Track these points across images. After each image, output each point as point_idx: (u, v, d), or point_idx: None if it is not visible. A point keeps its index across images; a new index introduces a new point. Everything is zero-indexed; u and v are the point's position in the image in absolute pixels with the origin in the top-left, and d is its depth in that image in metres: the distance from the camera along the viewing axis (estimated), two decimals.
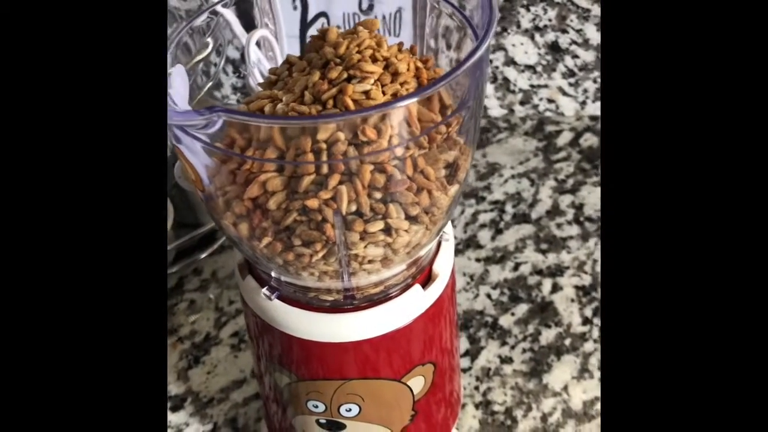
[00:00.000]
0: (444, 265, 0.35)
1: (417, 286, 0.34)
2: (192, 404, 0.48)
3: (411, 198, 0.30)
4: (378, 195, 0.29)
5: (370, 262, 0.31)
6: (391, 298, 0.34)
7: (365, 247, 0.30)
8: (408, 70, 0.31)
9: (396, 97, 0.30)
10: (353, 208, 0.29)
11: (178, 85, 0.28)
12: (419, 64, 0.32)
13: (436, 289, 0.35)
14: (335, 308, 0.34)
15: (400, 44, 0.34)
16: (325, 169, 0.29)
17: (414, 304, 0.34)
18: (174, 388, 0.49)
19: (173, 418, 0.47)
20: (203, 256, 0.55)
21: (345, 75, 0.30)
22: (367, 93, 0.30)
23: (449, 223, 0.36)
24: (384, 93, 0.30)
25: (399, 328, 0.34)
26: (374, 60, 0.31)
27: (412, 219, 0.30)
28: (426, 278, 0.35)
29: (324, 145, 0.29)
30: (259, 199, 0.30)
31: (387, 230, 0.30)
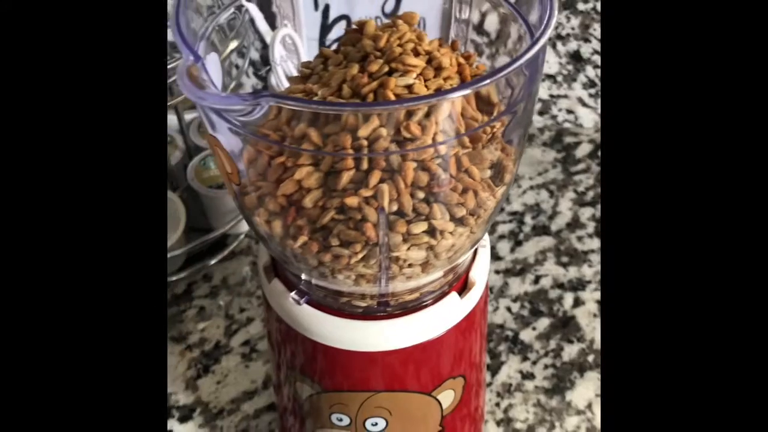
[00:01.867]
0: (480, 273, 0.33)
1: (453, 294, 0.32)
2: (201, 415, 0.46)
3: (456, 199, 0.28)
4: (421, 194, 0.27)
5: (410, 265, 0.29)
6: (425, 306, 0.32)
7: (408, 249, 0.28)
8: (451, 65, 0.30)
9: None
10: (395, 207, 0.27)
11: (213, 72, 0.26)
12: (461, 60, 0.31)
13: (473, 297, 0.33)
14: (367, 315, 0.32)
15: (441, 39, 0.32)
16: (365, 165, 0.27)
17: (450, 312, 0.32)
18: (182, 398, 0.47)
19: (181, 430, 0.45)
20: (213, 262, 0.53)
21: (386, 68, 0.29)
22: (410, 87, 0.28)
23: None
24: (427, 88, 0.29)
25: (434, 338, 0.32)
26: (416, 54, 0.30)
27: (457, 221, 0.28)
28: (462, 286, 0.33)
29: (365, 143, 0.27)
30: (294, 195, 0.28)
31: (431, 232, 0.28)
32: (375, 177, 0.27)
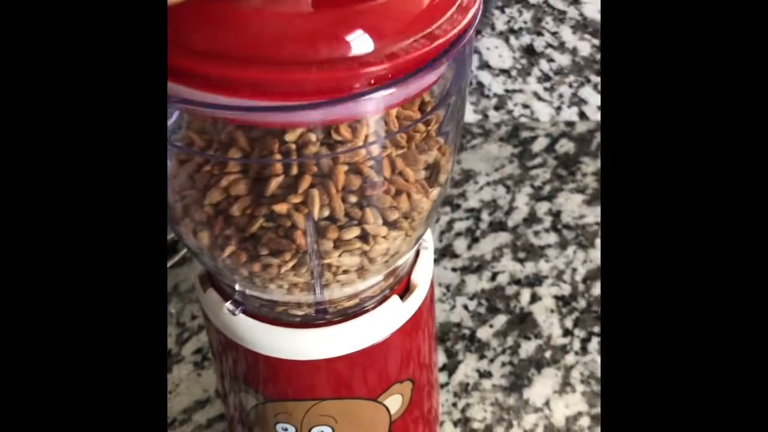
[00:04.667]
0: (423, 275, 0.33)
1: (395, 298, 0.32)
2: None
3: (389, 202, 0.27)
4: (353, 199, 0.27)
5: (344, 272, 0.28)
6: (366, 311, 0.31)
7: (339, 256, 0.27)
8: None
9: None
10: (326, 213, 0.27)
11: None
12: None
13: (415, 300, 0.32)
14: (306, 323, 0.31)
15: None
16: (294, 170, 0.26)
17: (391, 316, 0.32)
18: None
19: None
20: None
21: None
22: None
23: (428, 229, 0.34)
24: None
25: (375, 344, 0.31)
26: None
27: (390, 225, 0.28)
28: (404, 289, 0.32)
29: (293, 146, 0.26)
30: (221, 204, 0.27)
31: (363, 237, 0.27)
32: (305, 182, 0.26)
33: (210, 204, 0.27)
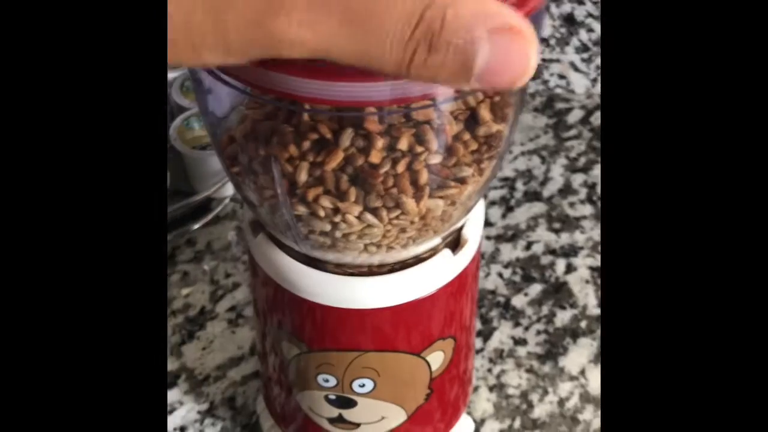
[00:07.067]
0: (474, 231, 0.32)
1: (446, 250, 0.31)
2: (186, 382, 0.45)
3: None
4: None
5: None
6: (417, 263, 0.31)
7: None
8: None
9: None
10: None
11: None
12: None
13: (466, 254, 0.32)
14: (356, 272, 0.31)
15: None
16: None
17: (442, 269, 0.31)
18: (167, 365, 0.46)
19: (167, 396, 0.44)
20: (197, 226, 0.52)
21: None
22: None
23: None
24: None
25: (425, 296, 0.31)
26: None
27: (371, 211, 0.27)
28: (455, 243, 0.32)
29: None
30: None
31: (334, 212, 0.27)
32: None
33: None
